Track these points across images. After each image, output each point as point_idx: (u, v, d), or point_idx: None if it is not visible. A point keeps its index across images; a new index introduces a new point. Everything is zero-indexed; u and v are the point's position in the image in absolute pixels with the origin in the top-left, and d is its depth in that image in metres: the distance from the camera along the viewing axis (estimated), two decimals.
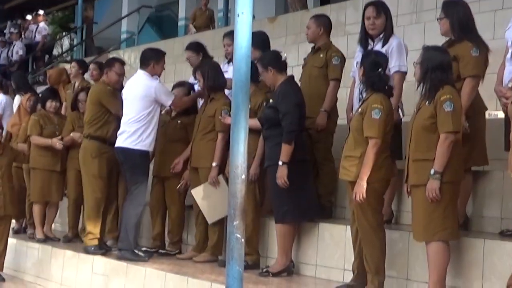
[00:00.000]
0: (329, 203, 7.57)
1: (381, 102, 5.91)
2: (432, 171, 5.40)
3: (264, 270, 6.95)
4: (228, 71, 8.01)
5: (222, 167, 7.49)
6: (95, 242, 8.23)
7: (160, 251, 8.22)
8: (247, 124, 4.90)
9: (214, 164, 7.52)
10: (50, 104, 9.55)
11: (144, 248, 8.25)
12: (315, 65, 7.60)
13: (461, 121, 5.54)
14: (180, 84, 8.60)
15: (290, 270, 6.99)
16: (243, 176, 4.87)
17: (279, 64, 7.07)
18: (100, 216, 8.29)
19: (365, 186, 5.79)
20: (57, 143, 9.09)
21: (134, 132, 7.73)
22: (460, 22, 6.21)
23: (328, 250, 6.91)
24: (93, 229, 8.23)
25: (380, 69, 6.07)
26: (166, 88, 7.97)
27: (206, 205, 7.62)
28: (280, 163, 6.74)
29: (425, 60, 5.62)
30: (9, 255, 9.15)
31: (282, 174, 6.74)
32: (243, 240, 4.87)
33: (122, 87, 8.30)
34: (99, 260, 8.02)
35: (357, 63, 6.70)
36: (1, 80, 13.11)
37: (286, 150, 6.76)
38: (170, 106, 8.13)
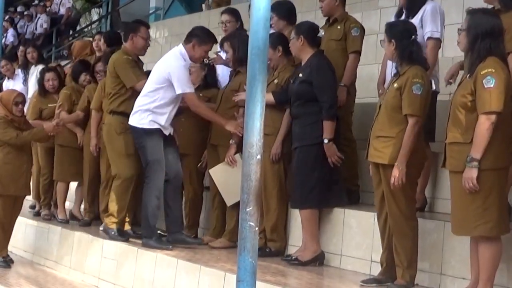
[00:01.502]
0: (355, 187, 7.04)
1: (421, 77, 5.34)
2: (468, 158, 4.75)
3: (294, 258, 6.44)
4: None
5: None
6: (116, 226, 7.52)
7: None
8: (264, 98, 4.32)
9: (231, 141, 6.99)
10: (84, 78, 8.99)
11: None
12: (333, 38, 7.04)
13: (503, 99, 4.74)
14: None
15: (321, 258, 6.47)
16: (259, 156, 4.31)
17: (313, 37, 6.54)
18: (127, 198, 7.54)
19: (405, 170, 5.21)
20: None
21: (138, 108, 7.13)
22: None
23: (355, 239, 6.35)
24: (115, 212, 7.50)
25: (413, 36, 5.47)
26: (188, 76, 7.11)
27: (224, 186, 7.12)
28: (325, 141, 6.30)
29: (473, 26, 4.90)
30: (19, 235, 8.73)
31: (333, 152, 6.33)
32: (257, 228, 4.31)
33: None
34: (109, 244, 7.51)
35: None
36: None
37: (330, 126, 6.31)
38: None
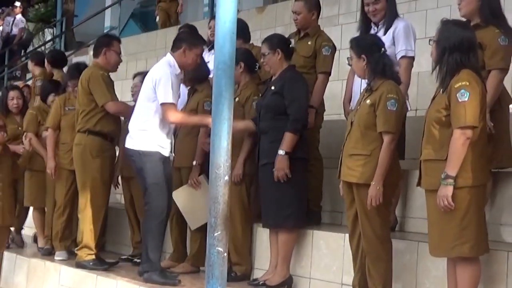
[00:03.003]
0: (317, 208, 6.79)
1: (396, 92, 5.15)
2: (443, 175, 4.55)
3: (261, 283, 6.18)
4: (211, 61, 7.18)
5: (205, 166, 6.69)
6: (92, 257, 7.06)
7: (136, 259, 7.37)
8: (231, 115, 4.07)
9: (194, 162, 6.72)
10: (53, 98, 8.31)
11: (124, 256, 7.59)
12: (302, 54, 6.69)
13: (478, 113, 4.57)
14: (140, 74, 7.69)
15: (290, 283, 6.21)
16: (226, 178, 4.06)
17: (288, 49, 6.32)
18: (99, 227, 7.14)
19: (382, 190, 5.00)
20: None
21: (133, 129, 6.57)
22: (490, 4, 5.40)
23: (324, 261, 6.11)
24: (89, 242, 7.03)
25: (383, 49, 5.29)
26: (172, 86, 6.37)
27: (188, 209, 6.84)
28: (281, 152, 5.97)
29: (442, 38, 4.73)
30: None
31: (283, 166, 5.97)
32: (225, 254, 4.04)
33: None
34: (67, 271, 7.20)
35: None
36: None
37: (290, 139, 6.00)
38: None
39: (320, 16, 8.04)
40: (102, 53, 7.23)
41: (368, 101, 5.20)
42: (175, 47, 6.59)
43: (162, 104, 6.35)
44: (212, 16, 7.92)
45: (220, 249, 4.03)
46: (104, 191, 7.19)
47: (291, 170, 6.00)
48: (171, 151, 6.73)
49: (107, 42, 7.33)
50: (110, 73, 7.32)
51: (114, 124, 7.19)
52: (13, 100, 8.64)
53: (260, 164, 6.27)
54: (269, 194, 6.19)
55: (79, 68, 7.87)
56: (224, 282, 4.06)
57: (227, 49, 4.07)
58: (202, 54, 6.75)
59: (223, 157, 4.04)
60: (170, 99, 6.35)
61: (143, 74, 7.37)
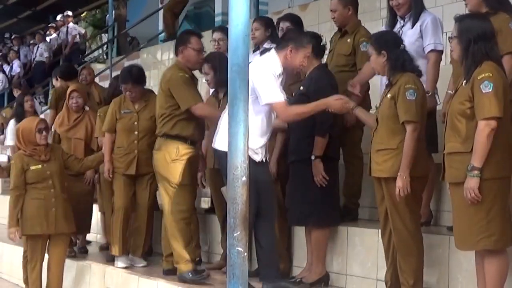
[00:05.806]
0: (354, 205, 6.77)
1: (414, 82, 5.14)
2: (469, 167, 4.53)
3: (298, 280, 6.19)
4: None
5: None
6: (190, 266, 6.60)
7: None
8: (247, 117, 4.14)
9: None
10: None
11: None
12: (342, 53, 6.67)
13: (502, 104, 4.54)
14: None
15: (326, 279, 6.23)
16: (244, 178, 4.12)
17: (318, 47, 6.22)
18: (189, 233, 6.70)
19: (409, 179, 5.00)
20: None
21: (222, 129, 5.98)
22: None
23: (359, 257, 6.13)
24: (182, 251, 6.59)
25: (402, 46, 5.30)
26: (276, 85, 5.80)
27: None
28: (312, 157, 6.00)
29: (464, 31, 4.72)
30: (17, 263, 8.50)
31: (319, 170, 5.99)
32: (245, 254, 4.11)
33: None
34: (111, 273, 7.36)
35: None
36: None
37: (319, 143, 6.01)
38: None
39: (362, 11, 7.98)
40: (180, 51, 6.81)
41: (388, 95, 5.21)
42: (281, 44, 6.05)
43: (268, 105, 5.83)
44: (255, 19, 7.82)
45: (240, 249, 4.10)
46: (186, 195, 6.74)
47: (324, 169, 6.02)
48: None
49: (183, 39, 6.87)
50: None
51: (195, 127, 6.77)
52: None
53: (289, 161, 6.31)
54: (294, 192, 6.22)
55: (131, 71, 7.65)
56: (245, 282, 4.13)
57: (240, 51, 4.14)
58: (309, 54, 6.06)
59: (240, 158, 4.11)
60: (275, 98, 5.78)
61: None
